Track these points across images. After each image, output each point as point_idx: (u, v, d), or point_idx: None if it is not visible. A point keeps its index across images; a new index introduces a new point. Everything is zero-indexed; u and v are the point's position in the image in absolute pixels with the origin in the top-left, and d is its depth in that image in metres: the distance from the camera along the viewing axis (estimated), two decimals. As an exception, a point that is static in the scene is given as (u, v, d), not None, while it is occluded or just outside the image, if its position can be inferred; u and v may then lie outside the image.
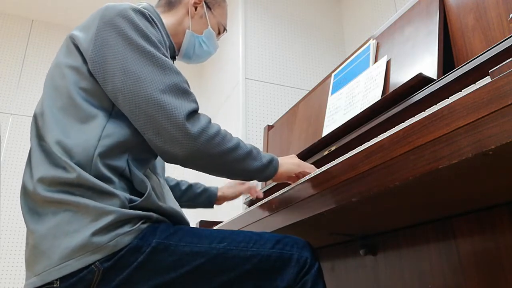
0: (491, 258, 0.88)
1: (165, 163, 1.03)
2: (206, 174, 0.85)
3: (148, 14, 0.84)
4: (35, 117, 0.82)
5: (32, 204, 0.74)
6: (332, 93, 1.46)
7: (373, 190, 0.67)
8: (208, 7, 1.10)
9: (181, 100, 0.77)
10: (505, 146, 0.47)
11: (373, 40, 1.32)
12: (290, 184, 0.96)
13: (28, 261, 0.72)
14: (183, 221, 0.85)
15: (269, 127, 2.01)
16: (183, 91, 0.79)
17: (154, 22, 0.85)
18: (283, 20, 2.53)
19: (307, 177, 0.87)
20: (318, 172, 0.83)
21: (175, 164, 0.80)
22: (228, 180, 1.31)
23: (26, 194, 0.76)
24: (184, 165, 0.80)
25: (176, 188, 1.24)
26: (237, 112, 2.23)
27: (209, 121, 0.80)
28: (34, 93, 2.88)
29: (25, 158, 2.71)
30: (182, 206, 1.24)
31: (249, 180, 0.89)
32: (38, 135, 0.79)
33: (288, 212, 0.92)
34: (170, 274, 0.72)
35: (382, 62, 1.21)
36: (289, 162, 0.95)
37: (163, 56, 0.81)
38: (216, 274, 0.75)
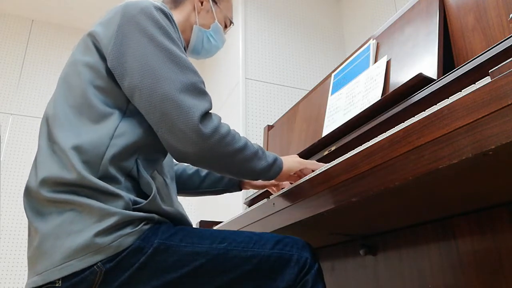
0: (491, 258, 0.88)
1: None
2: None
3: (168, 13, 0.85)
4: (46, 118, 0.81)
5: (36, 204, 0.74)
6: (332, 93, 1.46)
7: (373, 190, 0.67)
8: (214, 1, 1.10)
9: (197, 99, 0.78)
10: (505, 146, 0.47)
11: (373, 40, 1.32)
12: (291, 184, 0.97)
13: (30, 260, 0.72)
14: (185, 222, 0.85)
15: (269, 127, 2.01)
16: (199, 91, 0.79)
17: (173, 20, 0.86)
18: (283, 20, 2.53)
19: (307, 177, 0.88)
20: (318, 172, 0.83)
21: (185, 162, 0.80)
22: None
23: (29, 194, 0.76)
24: (195, 163, 0.80)
25: (195, 175, 1.21)
26: (237, 112, 2.23)
27: (220, 120, 0.81)
28: (34, 93, 2.89)
29: (25, 158, 2.71)
30: (204, 194, 1.22)
31: (255, 180, 0.90)
32: (49, 136, 0.78)
33: (288, 212, 0.92)
34: (172, 274, 0.72)
35: (382, 62, 1.21)
36: (290, 160, 0.96)
37: (183, 55, 0.81)
38: (216, 274, 0.75)
